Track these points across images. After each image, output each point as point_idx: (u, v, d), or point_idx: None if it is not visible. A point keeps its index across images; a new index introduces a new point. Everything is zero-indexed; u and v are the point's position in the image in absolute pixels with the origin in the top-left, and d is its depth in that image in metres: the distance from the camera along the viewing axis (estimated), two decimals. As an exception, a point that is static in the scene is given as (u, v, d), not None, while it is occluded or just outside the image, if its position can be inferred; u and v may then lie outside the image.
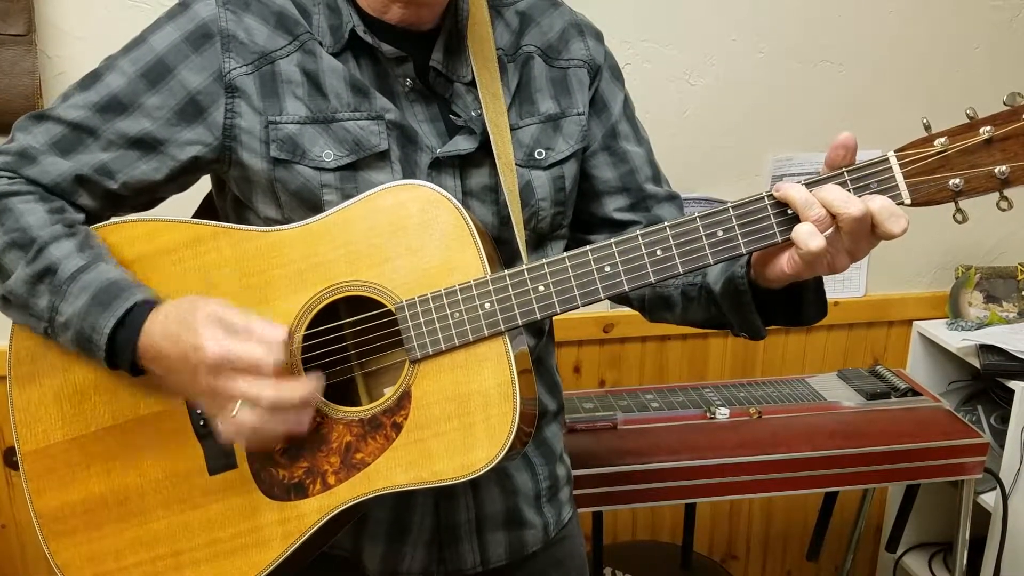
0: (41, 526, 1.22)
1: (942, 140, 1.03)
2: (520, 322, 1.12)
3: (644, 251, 1.10)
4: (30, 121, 1.20)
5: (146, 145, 1.19)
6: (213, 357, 1.04)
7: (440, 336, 1.13)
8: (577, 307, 1.12)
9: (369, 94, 1.20)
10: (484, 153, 1.22)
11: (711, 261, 1.09)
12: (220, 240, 1.18)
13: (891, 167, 1.04)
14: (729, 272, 1.19)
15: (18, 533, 2.37)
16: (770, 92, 2.44)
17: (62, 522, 1.22)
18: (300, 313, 1.15)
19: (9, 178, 1.18)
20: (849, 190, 1.04)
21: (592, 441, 2.10)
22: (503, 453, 1.11)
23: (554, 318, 1.21)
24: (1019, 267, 2.64)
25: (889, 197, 1.03)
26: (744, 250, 1.09)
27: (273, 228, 1.18)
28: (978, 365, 2.40)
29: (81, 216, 1.20)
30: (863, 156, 1.06)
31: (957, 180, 1.02)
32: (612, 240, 1.11)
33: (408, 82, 1.22)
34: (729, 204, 1.08)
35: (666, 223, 1.10)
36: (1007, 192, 1.03)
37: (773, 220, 1.07)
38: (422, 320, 1.13)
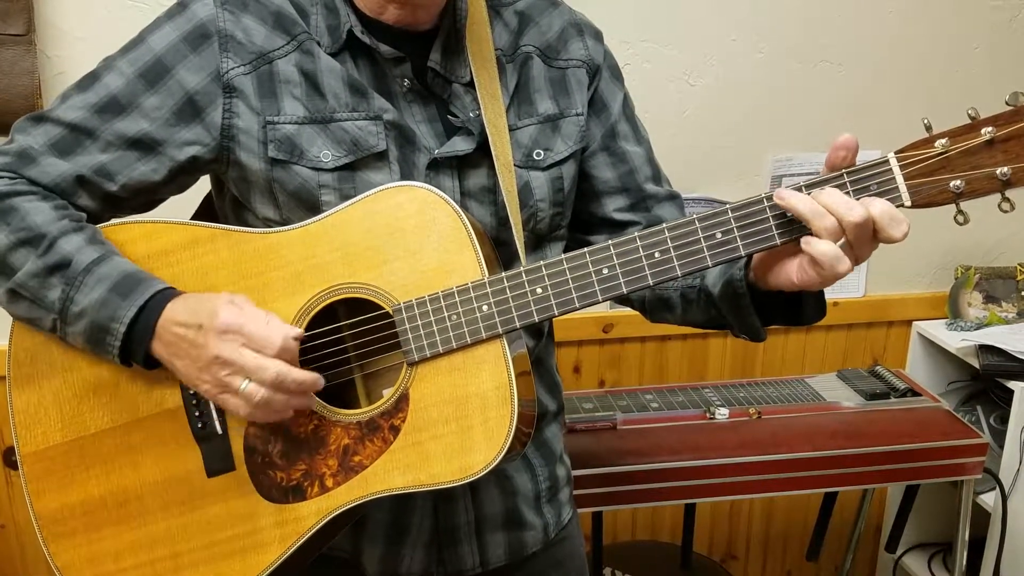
0: (41, 528, 1.22)
1: (943, 141, 1.02)
2: (518, 325, 1.12)
3: (642, 253, 1.10)
4: (29, 122, 1.20)
5: (144, 146, 1.18)
6: (225, 322, 1.08)
7: (438, 339, 1.13)
8: (575, 309, 1.12)
9: (367, 94, 1.20)
10: (482, 154, 1.22)
11: (709, 263, 1.09)
12: (218, 242, 1.18)
13: (891, 168, 1.04)
14: (728, 275, 1.19)
15: (18, 534, 2.37)
16: (770, 92, 2.44)
17: (62, 524, 1.22)
18: (298, 315, 1.15)
19: (10, 178, 1.18)
20: (848, 192, 1.04)
21: (592, 441, 2.09)
22: (501, 456, 1.11)
23: (553, 319, 1.21)
24: (1018, 267, 2.63)
25: (889, 199, 1.03)
26: (743, 252, 1.08)
27: (271, 230, 1.18)
28: (977, 365, 2.40)
29: (84, 214, 1.20)
30: (862, 156, 1.05)
31: (958, 181, 1.02)
32: (610, 242, 1.10)
33: (406, 82, 1.22)
34: (728, 206, 1.08)
35: (664, 225, 1.09)
36: (1009, 193, 1.02)
37: (772, 223, 1.07)
38: (420, 323, 1.13)
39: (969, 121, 1.02)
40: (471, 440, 1.12)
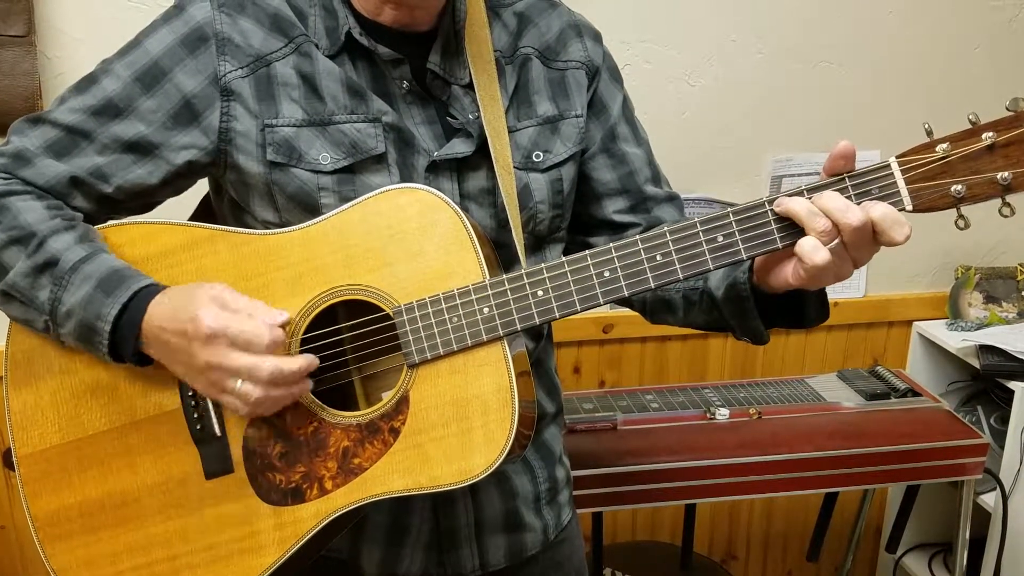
0: (37, 530, 1.22)
1: (944, 146, 1.02)
2: (519, 327, 1.11)
3: (644, 256, 1.09)
4: (26, 124, 1.20)
5: (141, 149, 1.18)
6: (208, 329, 1.06)
7: (438, 341, 1.12)
8: (576, 312, 1.11)
9: (366, 96, 1.19)
10: (481, 156, 1.21)
11: (711, 267, 1.08)
12: (217, 243, 1.18)
13: (893, 173, 1.04)
14: (731, 278, 1.18)
15: (17, 534, 2.37)
16: (770, 92, 2.43)
17: (58, 526, 1.21)
18: (298, 317, 1.15)
19: (5, 179, 1.18)
20: (850, 196, 1.04)
21: (592, 442, 2.09)
22: (501, 458, 1.11)
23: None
24: (1019, 268, 2.63)
25: (891, 203, 1.03)
26: (744, 256, 1.08)
27: (271, 231, 1.17)
28: (978, 365, 2.40)
29: (79, 213, 1.20)
30: (862, 156, 1.05)
31: (959, 186, 1.02)
32: (612, 245, 1.10)
33: (405, 84, 1.21)
34: (729, 209, 1.08)
35: (666, 227, 1.09)
36: (1009, 198, 1.02)
37: (774, 226, 1.07)
38: (420, 325, 1.13)
39: (969, 126, 1.02)
40: (471, 442, 1.11)
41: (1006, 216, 1.02)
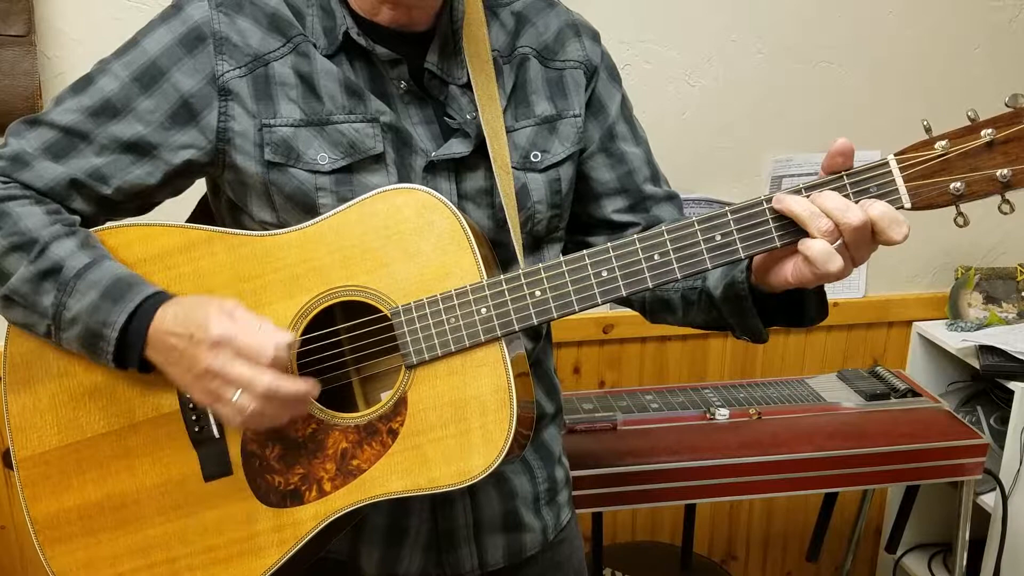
0: (37, 532, 1.22)
1: (943, 143, 1.02)
2: (517, 328, 1.11)
3: (641, 256, 1.09)
4: (23, 126, 1.20)
5: (139, 149, 1.18)
6: (216, 334, 1.07)
7: (436, 342, 1.12)
8: (574, 312, 1.11)
9: (364, 96, 1.19)
10: (479, 156, 1.21)
11: (709, 266, 1.08)
12: (215, 245, 1.17)
13: (891, 171, 1.03)
14: (729, 277, 1.18)
15: (17, 535, 2.37)
16: (770, 92, 2.43)
17: (58, 528, 1.21)
18: (295, 318, 1.15)
19: (3, 183, 1.18)
20: (848, 194, 1.04)
21: (592, 442, 2.09)
22: (500, 459, 1.10)
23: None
24: (1018, 268, 2.63)
25: (889, 201, 1.03)
26: (742, 255, 1.08)
27: (268, 232, 1.17)
28: (978, 366, 2.39)
29: (77, 218, 1.20)
30: (861, 155, 1.05)
31: (958, 184, 1.02)
32: (609, 245, 1.10)
33: (403, 84, 1.21)
34: (727, 208, 1.08)
35: (663, 227, 1.09)
36: (1008, 195, 1.02)
37: (772, 225, 1.06)
38: (418, 325, 1.12)
39: (969, 123, 1.02)
40: (470, 443, 1.11)
41: (1005, 213, 1.02)
